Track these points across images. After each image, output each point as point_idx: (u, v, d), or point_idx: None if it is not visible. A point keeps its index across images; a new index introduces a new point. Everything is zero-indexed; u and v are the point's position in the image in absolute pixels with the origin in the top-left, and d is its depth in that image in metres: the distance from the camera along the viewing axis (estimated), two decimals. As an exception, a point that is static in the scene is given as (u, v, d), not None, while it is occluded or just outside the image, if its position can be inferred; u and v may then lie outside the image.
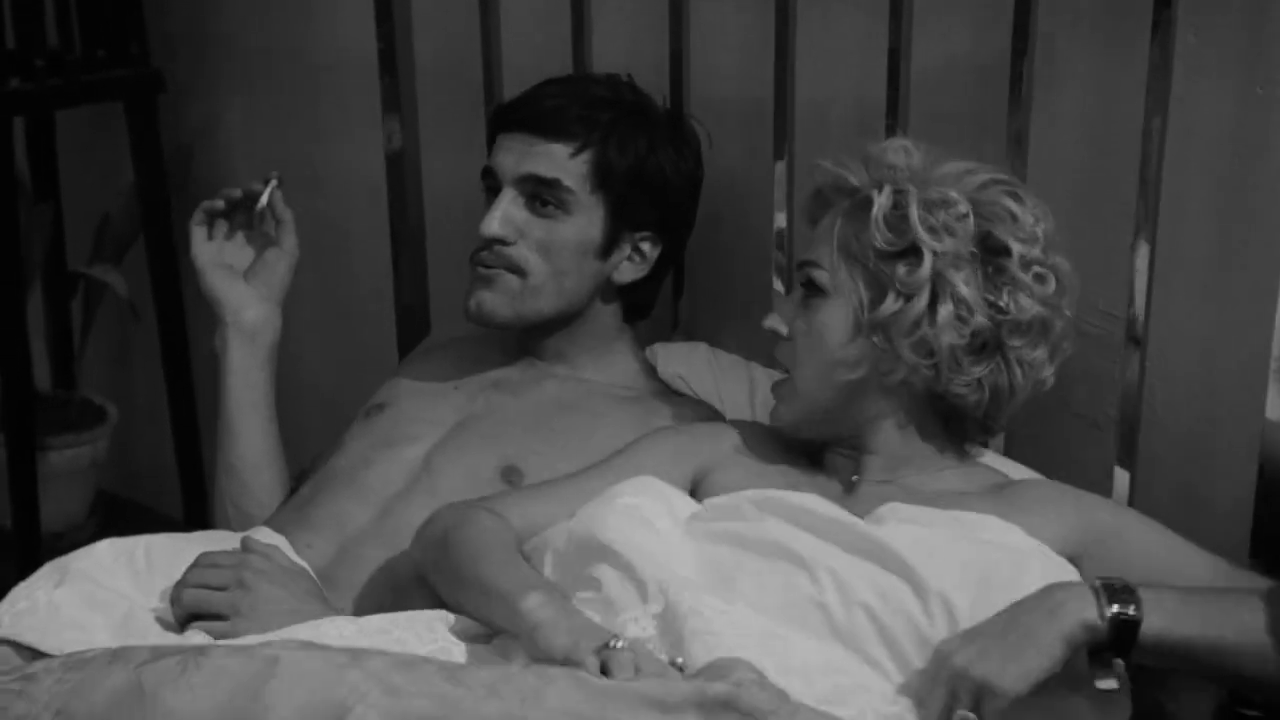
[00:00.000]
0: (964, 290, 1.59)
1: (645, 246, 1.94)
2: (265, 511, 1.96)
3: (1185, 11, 1.72)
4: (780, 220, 2.02)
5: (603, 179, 1.89)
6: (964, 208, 1.61)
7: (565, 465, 1.81)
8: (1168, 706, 1.70)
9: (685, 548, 1.60)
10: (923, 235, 1.60)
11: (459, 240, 2.02)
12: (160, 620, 1.72)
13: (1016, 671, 1.42)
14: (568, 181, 1.88)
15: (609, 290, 1.95)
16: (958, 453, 1.71)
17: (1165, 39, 1.72)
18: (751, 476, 1.69)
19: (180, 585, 1.71)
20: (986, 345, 1.62)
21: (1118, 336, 1.81)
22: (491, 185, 1.92)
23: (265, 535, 1.81)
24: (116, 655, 1.36)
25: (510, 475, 1.84)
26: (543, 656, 1.46)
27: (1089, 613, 1.44)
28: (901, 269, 1.60)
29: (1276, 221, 1.69)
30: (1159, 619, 1.45)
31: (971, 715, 1.43)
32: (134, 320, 2.98)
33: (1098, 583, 1.47)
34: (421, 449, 1.90)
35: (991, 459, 1.79)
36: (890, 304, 1.61)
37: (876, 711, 1.46)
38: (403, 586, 1.78)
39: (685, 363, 2.03)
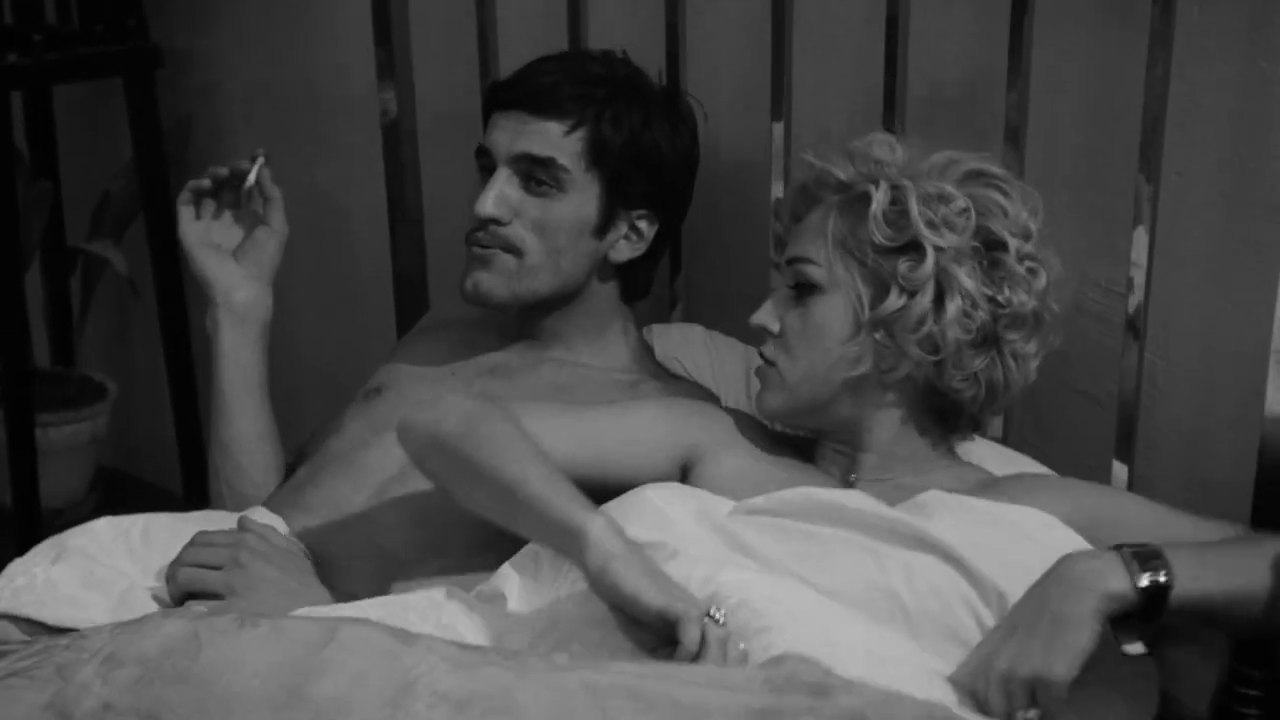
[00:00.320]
0: (968, 284, 1.59)
1: (642, 225, 1.93)
2: (259, 491, 1.96)
3: (1187, -13, 1.71)
4: (778, 190, 2.02)
5: (598, 156, 1.87)
6: (963, 202, 1.61)
7: None
8: (1168, 688, 1.70)
9: (735, 541, 1.57)
10: (924, 231, 1.59)
11: (458, 213, 2.02)
12: (158, 599, 1.72)
13: (1062, 658, 1.42)
14: (562, 160, 1.87)
15: (606, 269, 1.94)
16: (948, 450, 1.71)
17: (1167, 14, 1.70)
18: (747, 471, 1.68)
19: (176, 564, 1.71)
20: (985, 339, 1.62)
21: (1119, 313, 1.81)
22: (486, 164, 1.91)
23: (262, 515, 1.80)
24: (172, 612, 1.35)
25: (505, 461, 1.84)
26: (610, 595, 1.42)
27: (1116, 582, 1.44)
28: (903, 265, 1.60)
29: (1278, 197, 1.68)
30: (1185, 580, 1.46)
31: (1034, 713, 1.43)
32: (133, 296, 2.97)
33: (1126, 551, 1.46)
34: None
35: (984, 444, 1.79)
36: (894, 300, 1.60)
37: (945, 700, 1.45)
38: (398, 568, 1.77)
39: (682, 345, 2.02)
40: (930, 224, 1.60)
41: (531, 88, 1.89)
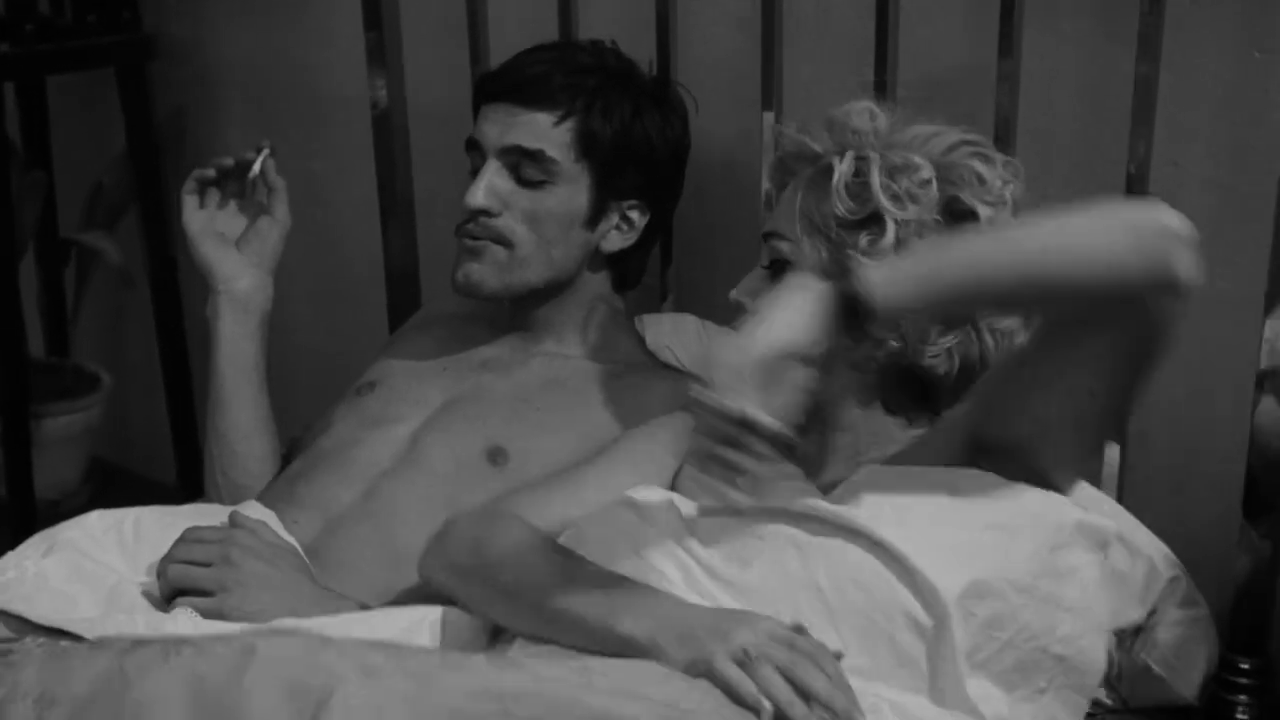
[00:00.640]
0: None
1: (633, 215, 1.93)
2: (255, 481, 1.96)
3: (1180, -26, 1.71)
4: (769, 182, 2.01)
5: (587, 147, 1.87)
6: (927, 173, 1.54)
7: (550, 445, 1.81)
8: (1155, 670, 1.71)
9: (687, 553, 1.56)
10: (885, 203, 1.53)
11: (449, 205, 2.01)
12: (147, 594, 1.72)
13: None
14: (551, 151, 1.86)
15: (597, 260, 1.94)
16: (930, 423, 1.65)
17: (1157, 5, 1.70)
18: None
19: (166, 560, 1.71)
20: (955, 315, 1.54)
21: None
22: (476, 157, 1.91)
23: (253, 511, 1.80)
24: (99, 644, 1.35)
25: (496, 456, 1.84)
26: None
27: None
28: (864, 239, 1.54)
29: (1272, 187, 1.68)
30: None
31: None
32: (127, 287, 2.97)
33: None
34: (408, 429, 1.89)
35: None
36: None
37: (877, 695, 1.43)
38: (390, 564, 1.77)
39: (674, 334, 2.02)
40: (893, 196, 1.53)
41: (520, 79, 1.88)
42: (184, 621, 1.61)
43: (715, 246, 2.15)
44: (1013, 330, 1.57)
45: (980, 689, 1.44)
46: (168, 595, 1.69)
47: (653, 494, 1.59)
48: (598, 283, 1.96)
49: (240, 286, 1.98)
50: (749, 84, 2.02)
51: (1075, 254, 1.39)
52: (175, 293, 2.88)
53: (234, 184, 2.00)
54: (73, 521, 1.81)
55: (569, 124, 1.87)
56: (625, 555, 1.53)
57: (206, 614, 1.64)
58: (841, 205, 1.55)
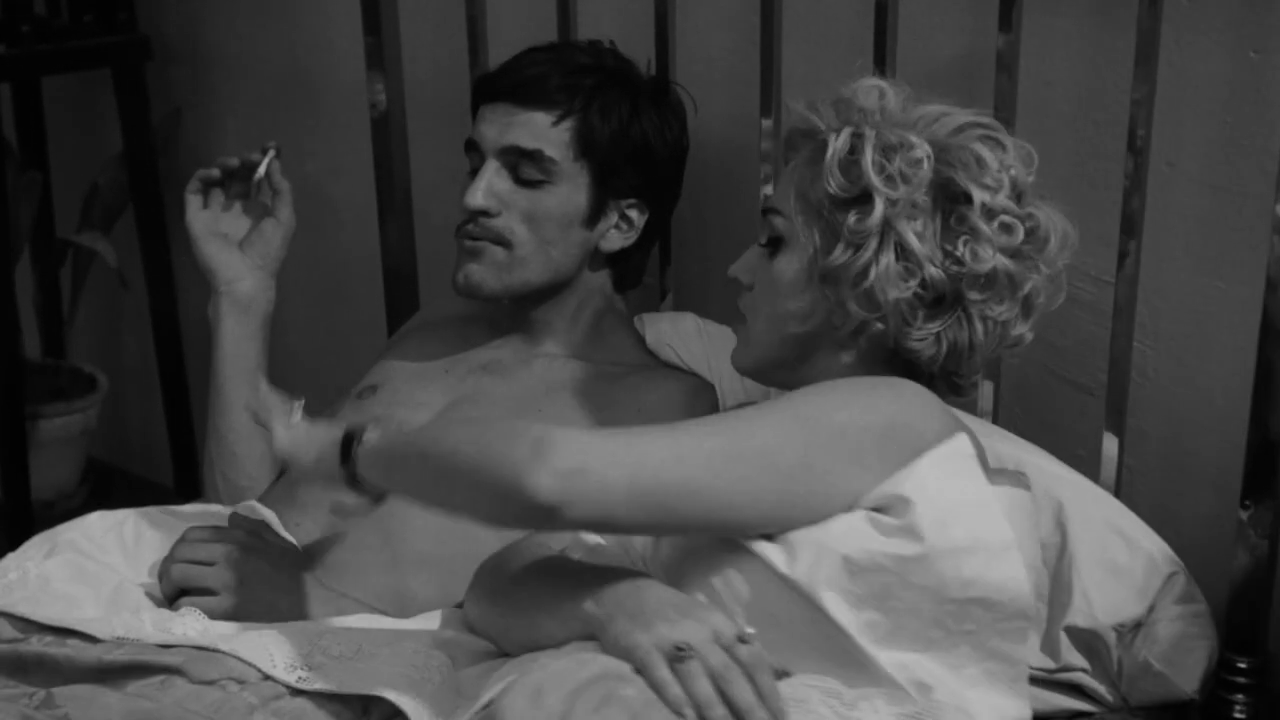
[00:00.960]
0: (913, 241, 1.49)
1: (632, 214, 1.94)
2: (254, 483, 1.96)
3: (1177, -25, 1.72)
4: (767, 181, 2.02)
5: (585, 147, 1.88)
6: (920, 152, 1.50)
7: None
8: (1155, 666, 1.71)
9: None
10: (875, 181, 1.49)
11: (448, 205, 2.02)
12: (150, 595, 1.72)
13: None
14: (550, 151, 1.87)
15: (597, 259, 1.95)
16: None
17: (1155, 3, 1.71)
18: None
19: (168, 560, 1.71)
20: (944, 298, 1.51)
21: (1108, 302, 1.81)
22: (475, 157, 1.91)
23: (255, 511, 1.80)
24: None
25: (496, 458, 1.84)
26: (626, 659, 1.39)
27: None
28: (853, 217, 1.50)
29: (1268, 187, 1.68)
30: (371, 438, 1.52)
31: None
32: (123, 289, 2.97)
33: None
34: None
35: (976, 424, 1.79)
36: (839, 254, 1.51)
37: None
38: (392, 565, 1.77)
39: (674, 333, 2.02)
40: (884, 174, 1.49)
41: (518, 79, 1.89)
42: (190, 621, 1.61)
43: (714, 245, 2.15)
44: (1006, 318, 1.54)
45: (896, 658, 1.43)
46: (171, 595, 1.69)
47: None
48: (598, 282, 1.96)
49: (242, 288, 1.98)
50: (747, 84, 2.02)
51: (454, 449, 1.43)
52: (171, 294, 2.88)
53: (238, 185, 2.00)
54: (73, 523, 1.81)
55: (567, 123, 1.87)
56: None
57: (211, 613, 1.64)
58: (833, 182, 1.53)
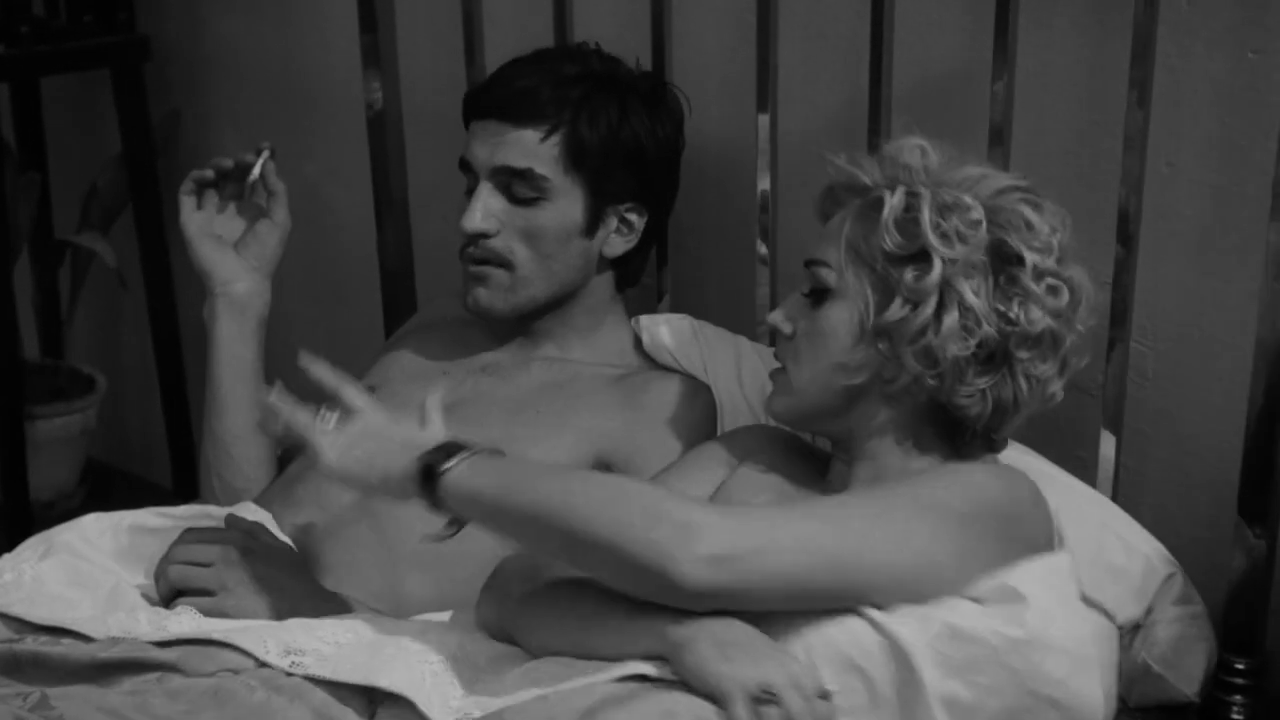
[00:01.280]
0: (972, 299, 1.53)
1: (631, 217, 1.93)
2: (251, 485, 1.96)
3: (1176, -24, 1.71)
4: (764, 182, 2.01)
5: (576, 159, 1.87)
6: (977, 214, 1.54)
7: (549, 447, 1.82)
8: (1154, 668, 1.71)
9: None
10: (933, 241, 1.53)
11: (445, 205, 2.02)
12: (146, 596, 1.72)
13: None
14: (541, 169, 1.87)
15: (602, 264, 1.95)
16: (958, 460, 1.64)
17: (1152, 6, 1.70)
18: (752, 489, 1.66)
19: (165, 561, 1.70)
20: (994, 356, 1.55)
21: (1107, 304, 1.81)
22: (470, 176, 1.91)
23: (250, 512, 1.80)
24: None
25: (495, 459, 1.84)
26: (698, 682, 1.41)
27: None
28: (910, 274, 1.54)
29: (1266, 188, 1.68)
30: (461, 472, 1.49)
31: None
32: (122, 289, 2.97)
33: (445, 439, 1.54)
34: None
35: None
36: (896, 310, 1.55)
37: None
38: (388, 565, 1.77)
39: (671, 335, 2.01)
40: (941, 234, 1.54)
41: (505, 95, 1.88)
42: (187, 620, 1.61)
43: (711, 246, 2.15)
44: (1047, 376, 1.58)
45: None
46: (167, 596, 1.69)
47: None
48: (603, 287, 1.96)
49: (238, 289, 1.98)
50: (744, 84, 2.02)
51: (587, 518, 1.43)
52: (170, 294, 2.88)
53: (233, 185, 2.00)
54: (69, 524, 1.81)
55: (556, 138, 1.87)
56: None
57: (208, 614, 1.64)
58: (890, 239, 1.56)
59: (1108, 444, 1.82)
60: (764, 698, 1.37)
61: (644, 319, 2.04)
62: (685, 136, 1.98)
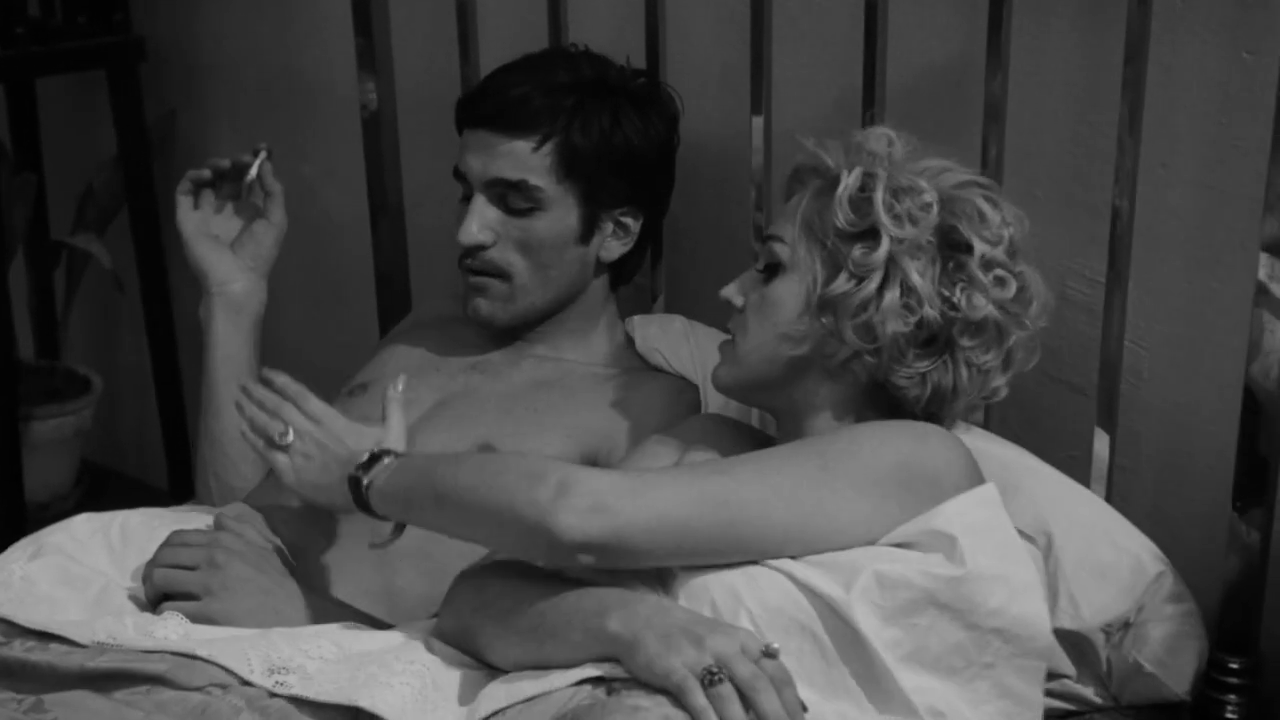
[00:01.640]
0: (916, 280, 1.55)
1: (627, 220, 1.94)
2: (246, 484, 1.96)
3: (1171, -24, 1.71)
4: (758, 182, 2.01)
5: (569, 167, 1.87)
6: (930, 198, 1.57)
7: (539, 444, 1.82)
8: (1146, 667, 1.71)
9: None
10: (884, 219, 1.56)
11: (440, 205, 2.02)
12: (134, 598, 1.71)
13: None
14: (534, 180, 1.87)
15: (600, 268, 1.96)
16: None
17: (1145, 4, 1.70)
18: None
19: (151, 564, 1.69)
20: (935, 340, 1.57)
21: (1101, 303, 1.81)
22: (464, 186, 1.92)
23: (240, 512, 1.79)
24: None
25: (485, 455, 1.84)
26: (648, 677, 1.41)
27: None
28: (858, 250, 1.57)
29: (1259, 188, 1.68)
30: (386, 480, 1.57)
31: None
32: (118, 291, 2.97)
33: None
34: None
35: (961, 428, 1.79)
36: (841, 283, 1.57)
37: None
38: (378, 564, 1.77)
39: (662, 336, 2.02)
40: (893, 214, 1.56)
41: (497, 105, 1.88)
42: (173, 625, 1.60)
43: (705, 247, 2.15)
44: (990, 368, 1.60)
45: (915, 681, 1.45)
46: (154, 599, 1.68)
47: None
48: (599, 285, 1.97)
49: (234, 289, 1.98)
50: (738, 84, 2.02)
51: (479, 491, 1.49)
52: (166, 296, 2.88)
53: (229, 185, 2.00)
54: (59, 525, 1.81)
55: (548, 148, 1.87)
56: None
57: (193, 618, 1.63)
58: (842, 215, 1.58)
59: (1102, 443, 1.82)
60: (712, 678, 1.37)
61: (637, 319, 2.04)
62: (679, 135, 1.98)
